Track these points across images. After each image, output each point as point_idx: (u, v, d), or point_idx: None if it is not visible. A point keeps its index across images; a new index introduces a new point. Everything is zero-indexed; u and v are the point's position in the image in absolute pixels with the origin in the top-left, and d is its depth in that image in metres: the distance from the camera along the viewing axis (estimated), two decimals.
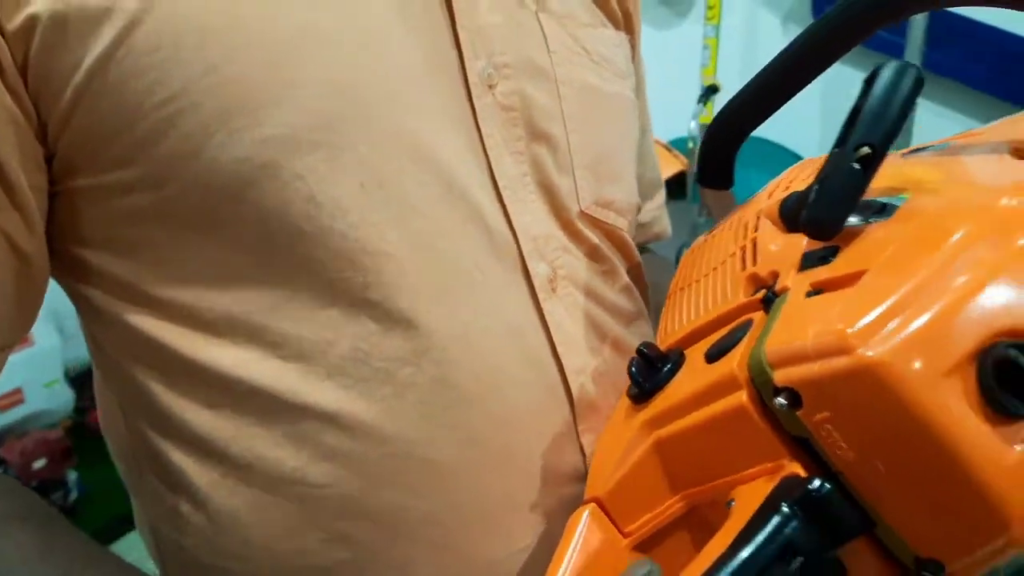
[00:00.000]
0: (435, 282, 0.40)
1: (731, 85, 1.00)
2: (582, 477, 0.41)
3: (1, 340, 0.39)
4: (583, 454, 0.43)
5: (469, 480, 0.40)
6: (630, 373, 0.36)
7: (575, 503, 0.37)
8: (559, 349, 0.42)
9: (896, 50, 1.55)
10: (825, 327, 0.27)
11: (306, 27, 0.38)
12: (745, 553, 0.27)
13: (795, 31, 1.38)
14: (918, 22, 1.48)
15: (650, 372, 0.35)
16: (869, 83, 0.30)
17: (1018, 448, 0.25)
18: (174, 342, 0.39)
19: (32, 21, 0.34)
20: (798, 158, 1.66)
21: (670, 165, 1.63)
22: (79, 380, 2.17)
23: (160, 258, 0.39)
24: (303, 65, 0.37)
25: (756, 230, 0.37)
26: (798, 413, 0.28)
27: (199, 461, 0.40)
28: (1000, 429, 0.25)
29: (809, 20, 1.68)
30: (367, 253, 0.38)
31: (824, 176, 0.30)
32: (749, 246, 0.36)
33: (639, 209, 0.56)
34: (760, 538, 0.27)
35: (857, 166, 0.30)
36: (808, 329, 0.27)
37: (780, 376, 0.27)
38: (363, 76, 0.39)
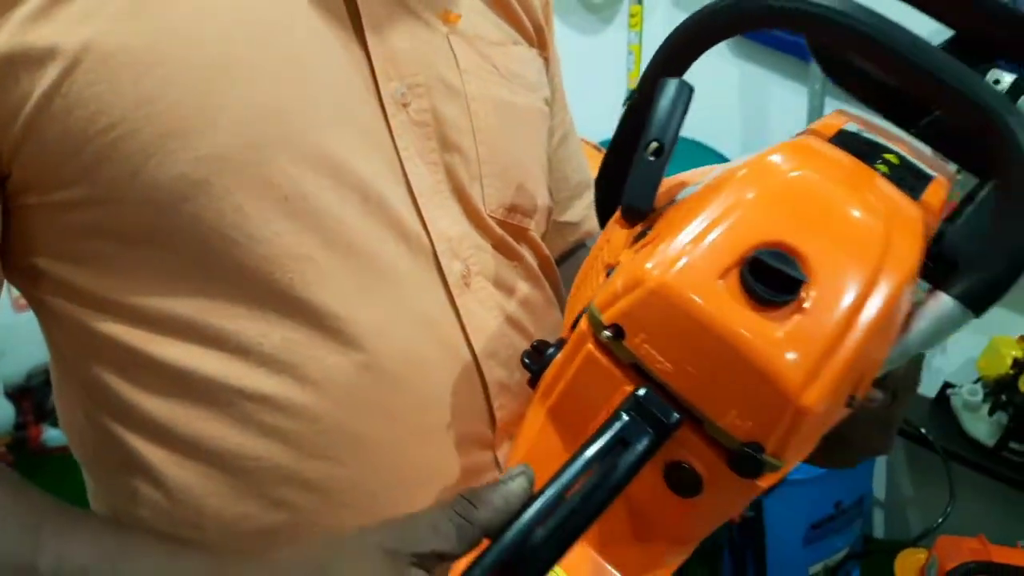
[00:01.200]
0: (354, 281, 0.45)
1: None
2: (492, 446, 0.47)
3: None
4: (494, 428, 0.49)
5: (392, 452, 0.45)
6: (523, 362, 0.41)
7: (488, 468, 0.43)
8: (471, 337, 0.48)
9: (795, 50, 1.65)
10: (629, 270, 0.35)
11: (228, 58, 0.42)
12: (591, 447, 0.35)
13: None
14: None
15: (538, 357, 0.41)
16: (655, 96, 0.39)
17: (781, 328, 0.33)
18: (130, 341, 0.44)
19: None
20: (723, 158, 1.75)
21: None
22: (16, 396, 2.14)
23: (110, 267, 0.44)
24: (227, 92, 0.42)
25: (610, 231, 0.44)
26: (624, 343, 0.35)
27: (155, 444, 0.45)
28: (764, 314, 0.33)
29: None
30: (291, 257, 0.43)
31: (631, 171, 0.39)
32: (604, 243, 0.44)
33: (550, 210, 0.60)
34: (603, 436, 0.35)
35: (652, 158, 0.38)
36: (620, 278, 0.35)
37: (606, 317, 0.35)
38: (284, 101, 0.44)
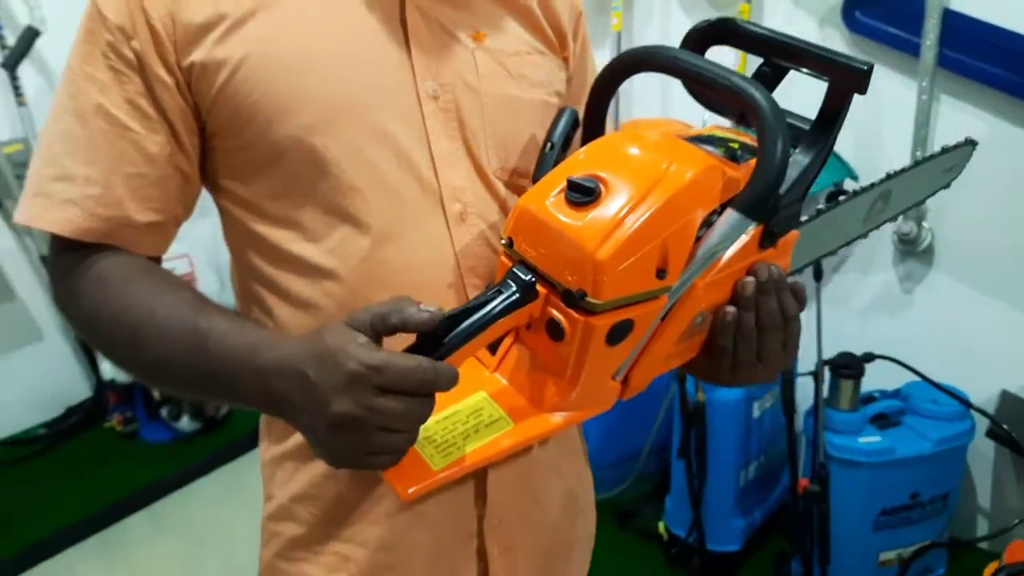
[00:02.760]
0: (385, 207, 0.65)
1: None
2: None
3: (175, 217, 0.68)
4: (467, 296, 0.67)
5: (388, 292, 0.62)
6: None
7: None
8: (459, 255, 0.68)
9: (907, 46, 1.66)
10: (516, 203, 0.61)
11: (316, 65, 0.63)
12: (484, 300, 0.57)
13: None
14: (933, 23, 1.58)
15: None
16: (560, 116, 0.67)
17: (584, 217, 0.55)
18: (261, 231, 0.67)
19: (191, 65, 0.62)
20: (835, 152, 1.78)
21: None
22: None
23: (254, 184, 0.66)
24: (315, 87, 0.63)
25: None
26: (514, 247, 0.59)
27: (269, 292, 0.69)
28: (575, 211, 0.56)
29: (834, 29, 1.79)
30: (349, 188, 0.64)
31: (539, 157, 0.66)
32: None
33: None
34: (492, 294, 0.58)
35: (550, 152, 0.65)
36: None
37: (504, 233, 0.61)
38: (352, 93, 0.64)
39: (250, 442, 2.13)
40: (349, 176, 0.63)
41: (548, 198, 0.58)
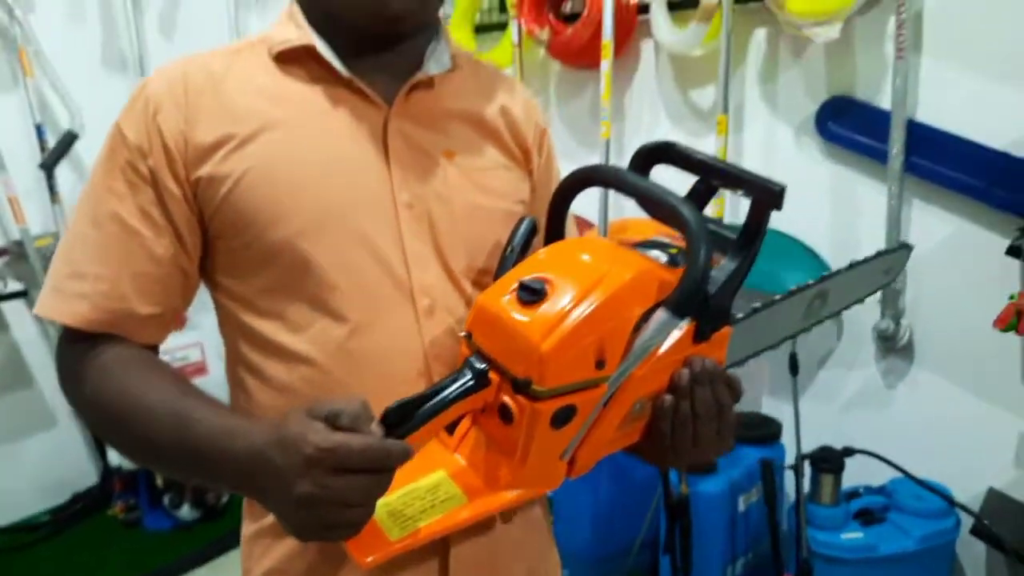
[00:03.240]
0: (361, 302, 0.72)
1: None
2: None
3: (174, 309, 0.75)
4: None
5: (363, 387, 0.70)
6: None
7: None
8: (426, 343, 0.74)
9: (878, 154, 1.76)
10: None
11: (308, 178, 0.71)
12: (443, 386, 0.63)
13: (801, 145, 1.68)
14: (898, 133, 1.68)
15: None
16: (520, 224, 0.74)
17: (532, 314, 0.62)
18: (250, 322, 0.75)
19: (199, 179, 0.71)
20: (811, 250, 1.85)
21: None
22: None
23: (247, 281, 0.74)
24: (307, 197, 0.71)
25: None
26: (472, 340, 0.66)
27: (252, 377, 0.76)
28: (524, 309, 0.63)
29: (810, 139, 1.91)
30: (331, 285, 0.71)
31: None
32: None
33: None
34: (449, 380, 0.64)
35: (510, 255, 0.72)
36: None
37: (465, 328, 0.67)
38: (339, 201, 0.72)
39: None
40: (331, 275, 0.71)
41: (503, 297, 0.65)
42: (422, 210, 0.75)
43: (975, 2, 1.63)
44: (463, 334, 0.68)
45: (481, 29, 2.42)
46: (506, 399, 0.63)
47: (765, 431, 1.86)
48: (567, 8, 2.22)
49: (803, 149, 1.91)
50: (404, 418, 0.60)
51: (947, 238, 1.75)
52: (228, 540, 2.48)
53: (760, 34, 1.92)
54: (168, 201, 0.71)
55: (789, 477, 1.74)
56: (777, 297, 0.89)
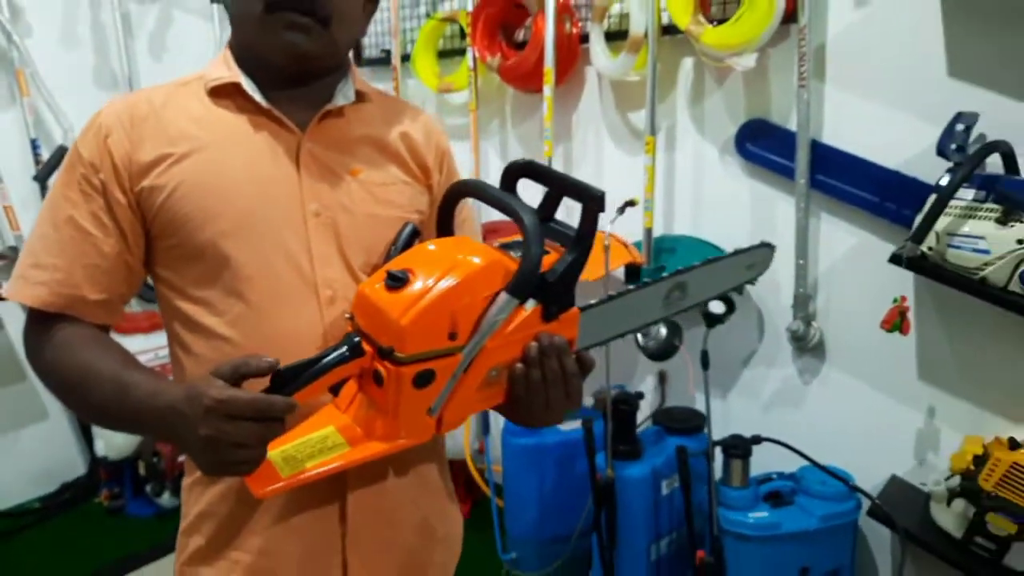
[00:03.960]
0: (272, 292, 0.87)
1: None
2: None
3: (120, 296, 0.91)
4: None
5: (269, 355, 0.79)
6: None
7: None
8: (326, 326, 0.89)
9: (789, 172, 1.92)
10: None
11: (231, 188, 0.87)
12: (324, 355, 0.78)
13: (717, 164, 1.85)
14: (803, 153, 1.84)
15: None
16: (402, 229, 0.93)
17: (396, 297, 0.76)
18: (183, 307, 0.90)
19: (141, 189, 0.86)
20: (719, 250, 2.01)
21: (625, 258, 2.05)
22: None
23: (180, 272, 0.90)
24: (230, 203, 0.86)
25: None
26: (355, 320, 0.81)
27: (183, 352, 0.92)
28: (391, 293, 0.77)
29: (731, 157, 2.07)
30: (246, 277, 0.87)
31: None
32: None
33: None
34: (330, 350, 0.78)
35: (394, 252, 0.90)
36: None
37: (350, 310, 0.82)
38: (256, 208, 0.87)
39: None
40: (247, 269, 0.87)
41: (376, 284, 0.79)
42: (328, 217, 0.90)
43: (870, 36, 1.79)
44: (347, 316, 0.83)
45: (443, 54, 2.59)
46: (377, 366, 0.78)
47: (689, 423, 2.02)
48: (520, 36, 2.40)
49: (726, 167, 2.08)
50: (291, 379, 0.75)
51: (850, 248, 1.91)
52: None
53: (688, 63, 2.09)
54: (115, 208, 0.87)
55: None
56: (631, 287, 1.04)
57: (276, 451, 0.79)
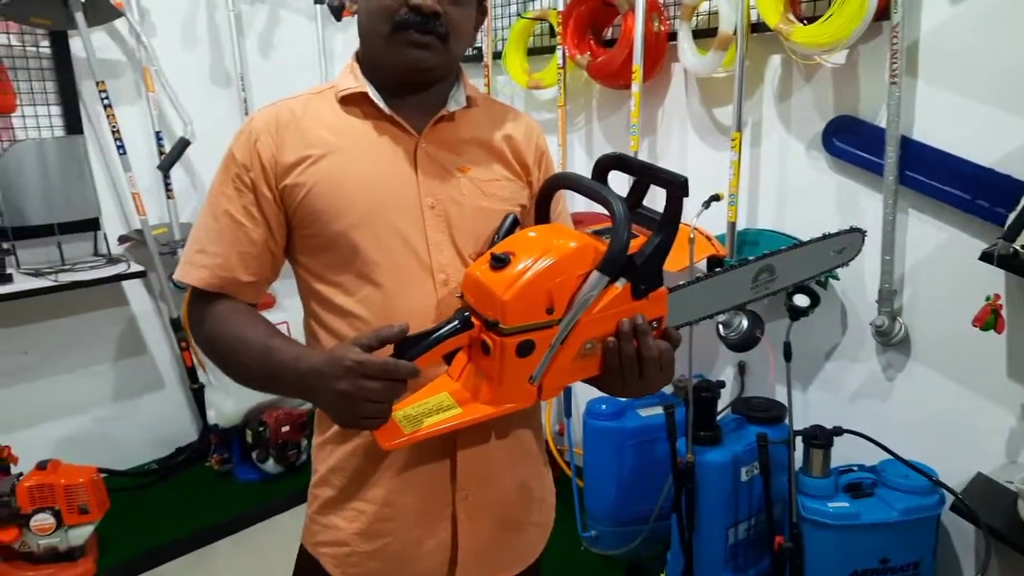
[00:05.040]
0: (395, 275, 0.96)
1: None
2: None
3: (266, 279, 1.02)
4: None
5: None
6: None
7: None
8: (440, 304, 0.97)
9: (877, 168, 1.90)
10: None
11: (357, 185, 0.96)
12: (438, 328, 0.87)
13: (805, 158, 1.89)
14: (892, 149, 1.83)
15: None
16: (504, 220, 0.99)
17: (499, 276, 0.84)
18: (319, 289, 1.00)
19: (284, 187, 0.97)
20: (792, 239, 2.01)
21: (708, 250, 2.08)
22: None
23: (316, 258, 1.00)
24: (358, 198, 0.96)
25: None
26: (464, 298, 0.89)
27: (321, 328, 1.02)
28: (495, 272, 0.85)
29: (818, 153, 2.06)
30: (373, 262, 0.96)
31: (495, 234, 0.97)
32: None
33: None
34: (443, 324, 0.87)
35: (497, 238, 0.96)
36: None
37: (460, 289, 0.91)
38: (380, 202, 0.96)
39: None
40: (373, 256, 0.96)
41: (482, 266, 0.87)
42: (441, 210, 0.99)
43: (965, 33, 1.76)
44: (457, 295, 0.91)
45: (533, 52, 2.66)
46: (484, 337, 0.86)
47: (769, 412, 2.03)
48: (608, 34, 2.44)
49: (812, 162, 2.07)
50: (411, 348, 0.84)
51: (938, 244, 1.89)
52: (306, 493, 2.78)
53: (775, 60, 2.09)
54: (263, 202, 0.98)
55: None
56: (718, 270, 1.09)
57: (399, 412, 0.88)
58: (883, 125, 1.86)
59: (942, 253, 1.89)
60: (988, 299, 1.68)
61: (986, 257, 1.60)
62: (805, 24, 1.88)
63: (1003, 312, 1.72)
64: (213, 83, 3.09)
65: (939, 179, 1.82)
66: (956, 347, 1.90)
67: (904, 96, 1.82)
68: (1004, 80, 1.72)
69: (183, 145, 2.83)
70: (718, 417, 2.02)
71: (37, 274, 2.56)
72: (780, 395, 2.23)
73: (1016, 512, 1.73)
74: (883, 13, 1.79)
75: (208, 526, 2.61)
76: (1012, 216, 1.56)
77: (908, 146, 1.84)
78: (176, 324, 2.92)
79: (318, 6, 3.11)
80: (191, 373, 2.98)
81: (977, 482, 1.87)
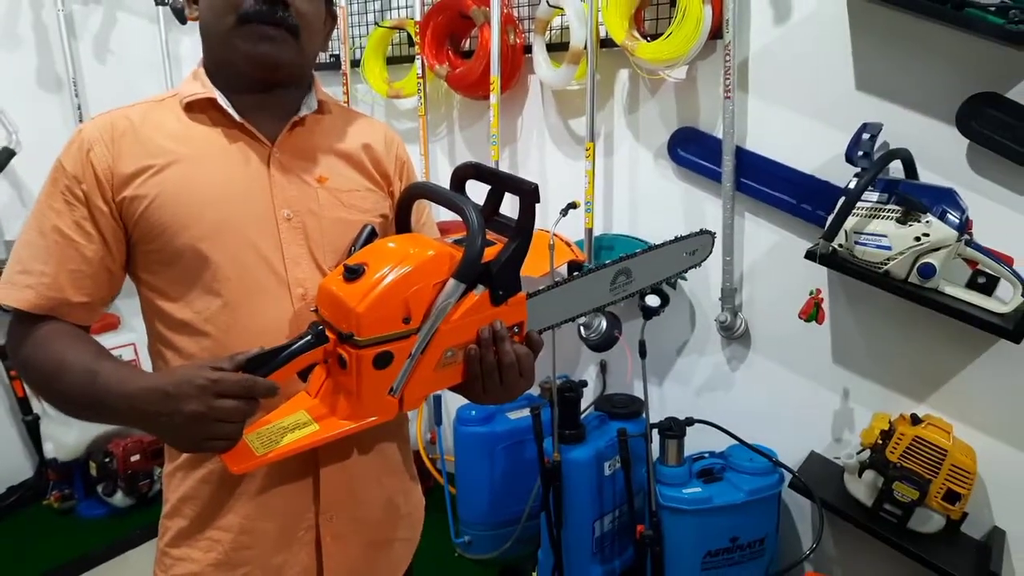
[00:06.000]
0: (247, 290, 0.92)
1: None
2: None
3: (102, 299, 0.93)
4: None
5: (244, 344, 0.85)
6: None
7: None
8: (297, 319, 0.93)
9: (716, 176, 2.03)
10: None
11: (206, 197, 0.91)
12: (291, 343, 0.83)
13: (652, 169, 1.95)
14: (728, 159, 1.96)
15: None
16: (362, 231, 0.97)
17: (353, 288, 0.82)
18: (162, 306, 0.94)
19: (123, 199, 0.89)
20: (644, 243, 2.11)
21: (568, 256, 2.13)
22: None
23: (159, 274, 0.93)
24: (206, 211, 0.90)
25: None
26: (319, 311, 0.87)
27: (166, 348, 0.95)
28: (348, 284, 0.83)
29: (665, 162, 2.18)
30: (224, 277, 0.91)
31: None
32: None
33: None
34: (296, 339, 0.83)
35: (354, 250, 0.93)
36: None
37: (315, 303, 0.89)
38: (231, 215, 0.91)
39: None
40: (224, 270, 0.90)
41: (336, 278, 0.85)
42: (298, 222, 0.95)
43: (788, 53, 1.92)
44: (312, 309, 0.89)
45: (392, 61, 2.62)
46: (340, 350, 0.83)
47: (628, 408, 2.11)
48: (466, 45, 2.45)
49: (659, 171, 2.18)
50: (263, 364, 0.80)
51: (771, 245, 2.04)
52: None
53: (624, 74, 2.18)
54: (98, 216, 0.89)
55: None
56: (576, 274, 1.11)
57: (252, 433, 0.83)
58: (720, 136, 1.99)
59: (775, 253, 2.04)
60: (811, 293, 1.83)
61: (810, 255, 1.75)
62: (649, 41, 1.97)
63: (824, 305, 1.88)
64: (41, 88, 2.82)
65: (770, 185, 1.97)
66: (788, 338, 2.06)
67: (737, 109, 1.96)
68: (821, 95, 1.89)
69: (7, 155, 2.56)
70: (582, 415, 2.07)
71: None
72: (638, 390, 2.33)
73: (843, 485, 1.89)
74: (717, 32, 1.92)
75: (51, 570, 2.36)
76: (831, 218, 1.71)
77: (742, 155, 1.98)
78: (2, 352, 2.62)
79: (160, 8, 2.92)
80: (23, 403, 2.69)
81: (811, 460, 2.03)
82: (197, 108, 0.94)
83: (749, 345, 2.14)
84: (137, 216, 0.89)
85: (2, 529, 2.59)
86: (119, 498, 2.63)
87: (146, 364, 1.02)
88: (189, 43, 3.04)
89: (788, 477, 1.93)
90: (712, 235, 1.36)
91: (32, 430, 2.72)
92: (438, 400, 2.47)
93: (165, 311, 0.93)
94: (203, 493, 0.95)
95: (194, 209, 0.90)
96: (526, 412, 2.14)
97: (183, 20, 2.77)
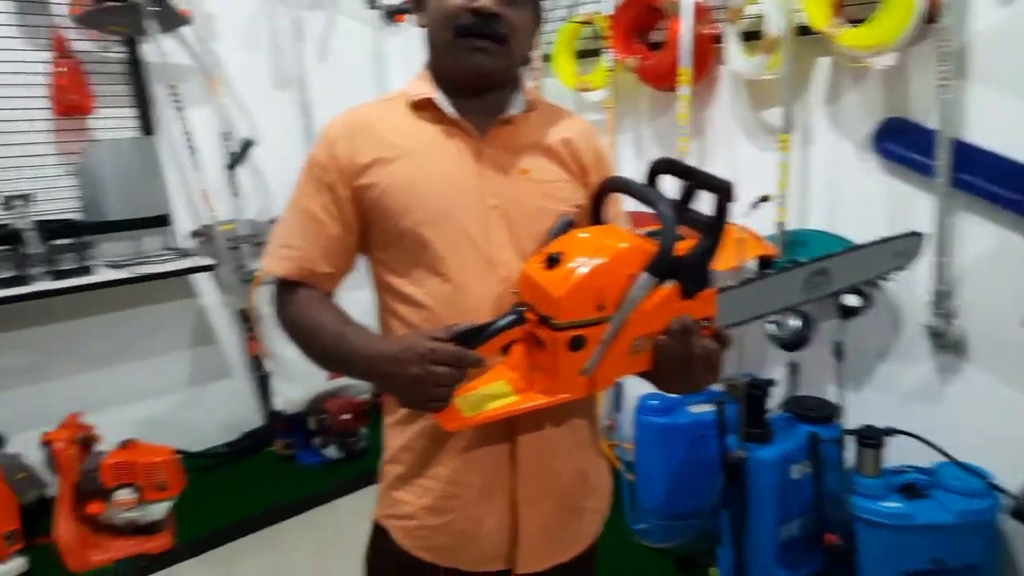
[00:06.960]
0: (460, 270, 0.98)
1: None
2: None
3: (343, 270, 1.06)
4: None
5: (459, 319, 0.92)
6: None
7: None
8: (500, 297, 0.98)
9: (928, 170, 1.83)
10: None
11: (427, 187, 0.99)
12: (495, 321, 0.89)
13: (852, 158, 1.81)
14: (943, 152, 1.75)
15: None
16: (558, 220, 0.99)
17: (553, 275, 0.85)
18: (391, 282, 1.03)
19: (359, 186, 1.00)
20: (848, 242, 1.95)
21: (758, 250, 2.03)
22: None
23: (388, 252, 1.03)
24: (427, 199, 0.98)
25: None
26: (519, 293, 0.92)
27: (394, 319, 1.04)
28: (548, 271, 0.87)
29: (868, 154, 1.99)
30: (440, 257, 0.98)
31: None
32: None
33: None
34: (500, 317, 0.89)
35: (550, 238, 0.96)
36: None
37: (515, 286, 0.94)
38: (447, 204, 0.99)
39: None
40: (441, 251, 0.99)
41: (536, 264, 0.90)
42: (503, 211, 1.01)
43: (1016, 34, 1.68)
44: (513, 291, 0.94)
45: (581, 55, 2.62)
46: (539, 331, 0.87)
47: (820, 412, 1.98)
48: (655, 37, 2.39)
49: (862, 164, 2.00)
50: (472, 338, 0.86)
51: (993, 246, 1.81)
52: (365, 477, 2.78)
53: (823, 62, 2.02)
54: (341, 201, 1.02)
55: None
56: (770, 272, 1.06)
57: (460, 397, 0.90)
58: (934, 127, 1.79)
59: (998, 255, 1.81)
60: None
61: None
62: (852, 26, 1.81)
63: None
64: (274, 86, 3.12)
65: (993, 181, 1.75)
66: (1012, 350, 1.82)
67: (955, 98, 1.74)
68: None
69: (247, 145, 2.87)
70: (768, 416, 1.98)
71: (115, 266, 2.63)
72: (831, 395, 2.18)
73: None
74: (932, 16, 1.71)
75: (275, 506, 2.67)
76: None
77: (960, 148, 1.77)
78: (243, 315, 2.98)
79: (372, 12, 3.12)
80: (256, 362, 3.04)
81: None
82: (421, 107, 1.03)
83: (963, 355, 1.92)
84: (370, 201, 1.00)
85: (237, 468, 2.96)
86: (331, 451, 2.90)
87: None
88: (396, 44, 3.22)
89: (1004, 502, 1.72)
90: (921, 237, 1.23)
91: (263, 385, 3.07)
92: (619, 388, 2.46)
93: (392, 285, 1.03)
94: (418, 444, 1.04)
95: (415, 199, 0.99)
96: (708, 407, 2.08)
97: (393, 21, 2.94)
